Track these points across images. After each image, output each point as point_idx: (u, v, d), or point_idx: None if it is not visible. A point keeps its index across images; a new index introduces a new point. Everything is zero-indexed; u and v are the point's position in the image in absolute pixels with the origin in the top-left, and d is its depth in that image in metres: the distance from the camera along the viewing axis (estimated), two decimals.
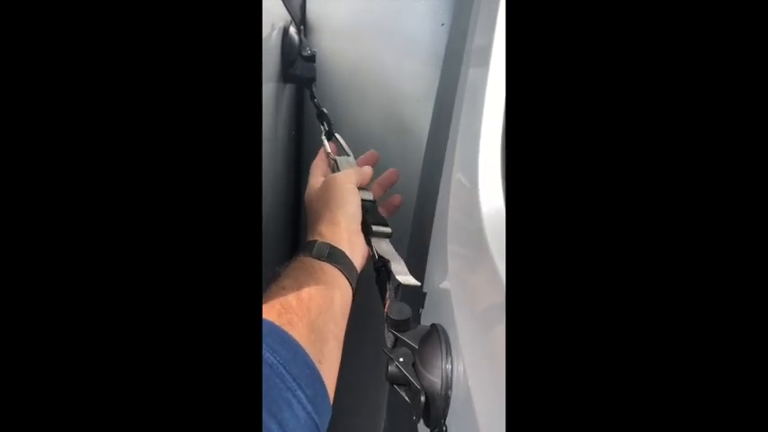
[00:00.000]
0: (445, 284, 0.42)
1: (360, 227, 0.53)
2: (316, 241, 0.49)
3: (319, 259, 0.47)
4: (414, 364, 0.40)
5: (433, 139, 0.68)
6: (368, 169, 0.58)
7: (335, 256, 0.48)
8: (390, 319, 0.43)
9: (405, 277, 0.48)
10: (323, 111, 0.63)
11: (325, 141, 0.61)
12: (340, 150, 0.62)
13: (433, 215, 0.53)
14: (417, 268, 0.51)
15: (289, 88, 0.70)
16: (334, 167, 0.59)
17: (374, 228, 0.53)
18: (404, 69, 0.70)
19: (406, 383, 0.40)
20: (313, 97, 0.65)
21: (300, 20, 0.71)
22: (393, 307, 0.44)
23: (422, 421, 0.40)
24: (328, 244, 0.48)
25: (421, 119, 0.69)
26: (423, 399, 0.37)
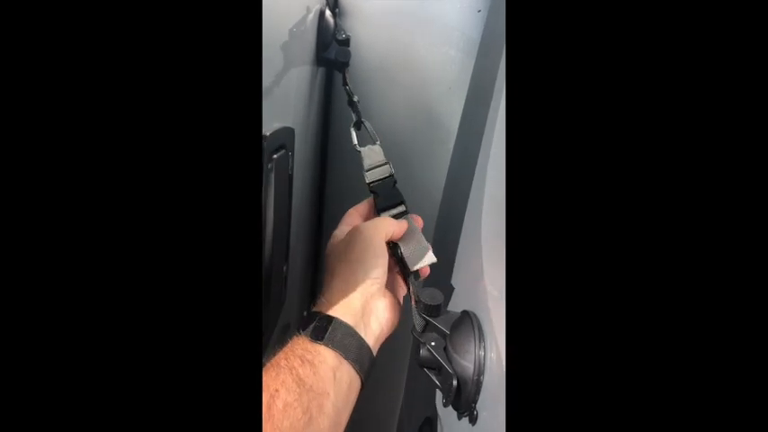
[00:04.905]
0: (479, 279, 0.42)
1: (383, 286, 0.44)
2: (318, 314, 0.41)
3: (315, 341, 0.38)
4: (445, 349, 0.41)
5: (463, 129, 0.67)
6: (403, 223, 0.49)
7: (338, 336, 0.39)
8: (422, 304, 0.43)
9: (421, 261, 0.48)
10: (353, 99, 0.63)
11: (353, 133, 0.60)
12: (366, 139, 0.61)
13: (462, 210, 0.52)
14: (444, 263, 0.51)
15: (321, 72, 0.70)
16: (360, 159, 0.55)
17: (383, 215, 0.51)
18: (436, 55, 0.69)
19: (437, 367, 0.41)
20: (345, 84, 0.65)
21: (334, 3, 0.70)
22: (425, 292, 0.44)
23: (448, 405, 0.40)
24: (331, 319, 0.40)
25: (452, 107, 0.68)
26: (455, 383, 0.37)
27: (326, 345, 0.38)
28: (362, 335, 0.41)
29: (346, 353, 0.39)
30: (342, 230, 0.50)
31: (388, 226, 0.47)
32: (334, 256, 0.46)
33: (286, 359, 0.37)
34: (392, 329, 0.45)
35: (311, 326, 0.40)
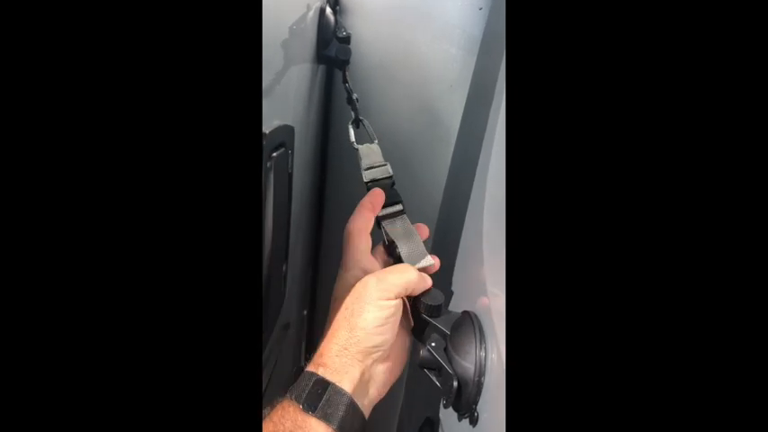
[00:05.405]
0: (480, 280, 0.42)
1: (387, 351, 0.41)
2: (312, 375, 0.38)
3: (307, 413, 0.36)
4: (445, 350, 0.40)
5: (464, 128, 0.67)
6: (427, 280, 0.44)
7: (331, 408, 0.36)
8: (422, 304, 0.43)
9: (417, 263, 0.47)
10: (352, 97, 0.63)
11: (351, 130, 0.60)
12: (364, 137, 0.60)
13: (463, 210, 0.52)
14: (445, 264, 0.50)
15: (321, 70, 0.70)
16: (358, 158, 0.54)
17: (381, 212, 0.50)
18: (437, 53, 0.69)
19: (437, 368, 0.40)
20: (345, 81, 0.64)
21: (334, 0, 0.70)
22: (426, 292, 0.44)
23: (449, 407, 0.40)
24: (327, 385, 0.37)
25: (453, 105, 0.68)
26: (455, 384, 0.37)
27: (318, 417, 0.36)
28: (359, 404, 0.38)
29: (339, 426, 0.36)
30: (352, 258, 0.46)
31: (405, 282, 0.42)
32: (340, 309, 0.41)
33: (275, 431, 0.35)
34: (389, 388, 0.43)
35: (306, 391, 0.37)
